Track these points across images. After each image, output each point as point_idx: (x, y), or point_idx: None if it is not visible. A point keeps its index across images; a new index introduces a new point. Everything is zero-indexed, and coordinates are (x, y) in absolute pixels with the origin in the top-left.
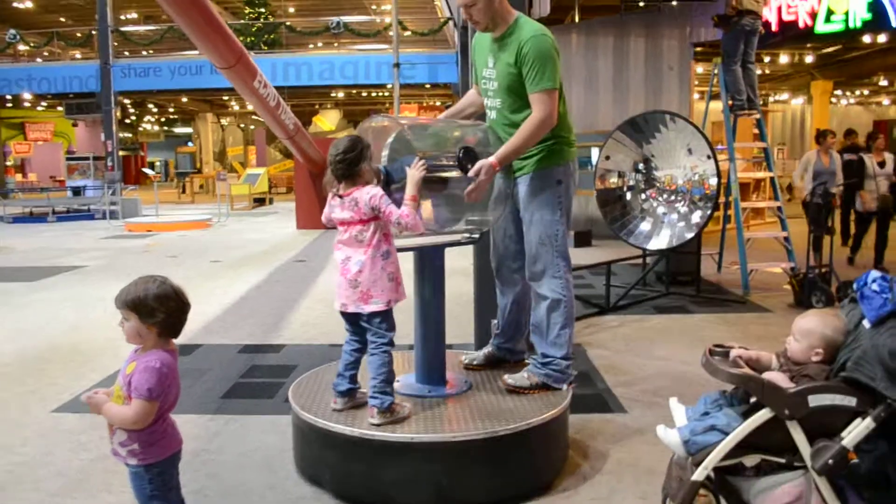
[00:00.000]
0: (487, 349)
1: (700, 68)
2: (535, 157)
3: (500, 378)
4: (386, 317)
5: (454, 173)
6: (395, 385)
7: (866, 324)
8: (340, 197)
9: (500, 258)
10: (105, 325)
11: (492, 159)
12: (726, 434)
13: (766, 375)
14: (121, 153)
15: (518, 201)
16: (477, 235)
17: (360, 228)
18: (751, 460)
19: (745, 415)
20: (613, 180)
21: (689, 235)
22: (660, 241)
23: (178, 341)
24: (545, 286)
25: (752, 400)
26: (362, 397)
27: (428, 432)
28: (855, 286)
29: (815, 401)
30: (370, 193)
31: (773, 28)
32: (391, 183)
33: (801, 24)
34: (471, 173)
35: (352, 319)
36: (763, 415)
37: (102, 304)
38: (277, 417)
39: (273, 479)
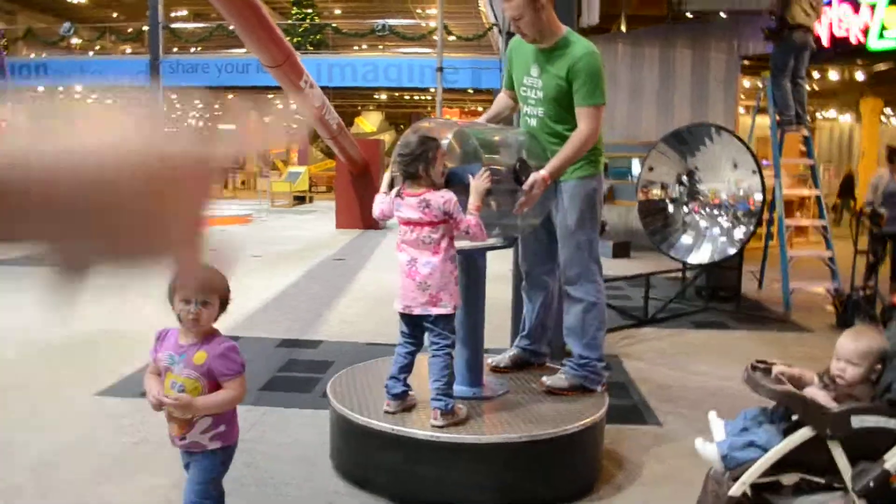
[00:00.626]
0: (513, 352)
1: (747, 82)
2: (577, 165)
3: (538, 381)
4: (450, 320)
5: (505, 184)
6: None
7: None
8: (403, 196)
9: (531, 263)
10: (148, 314)
11: (543, 173)
12: (765, 451)
13: (808, 392)
14: None
15: (556, 207)
16: (512, 239)
17: (429, 230)
18: (789, 479)
19: (786, 432)
20: (656, 192)
21: (732, 251)
22: (701, 256)
23: None
24: (580, 290)
25: (794, 418)
26: (412, 399)
27: (469, 434)
28: None
29: (858, 422)
30: (444, 198)
31: (825, 44)
32: (449, 185)
33: (853, 40)
34: (525, 187)
35: (413, 322)
36: (804, 433)
37: (147, 294)
38: (314, 412)
39: (309, 472)
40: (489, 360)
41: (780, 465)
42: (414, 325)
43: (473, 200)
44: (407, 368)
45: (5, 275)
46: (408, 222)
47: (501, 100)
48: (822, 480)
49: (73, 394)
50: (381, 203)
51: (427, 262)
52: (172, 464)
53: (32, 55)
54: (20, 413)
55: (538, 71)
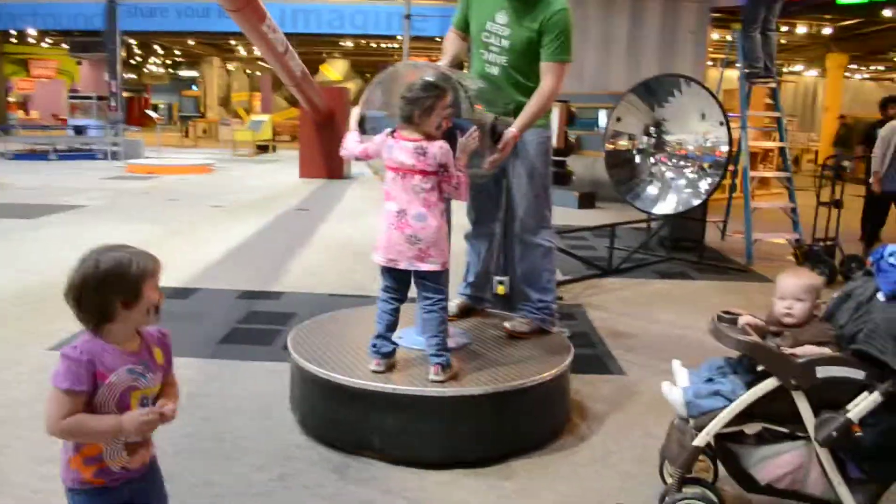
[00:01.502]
0: (459, 300)
1: (715, 34)
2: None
3: (494, 328)
4: (442, 275)
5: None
6: (398, 339)
7: (881, 297)
8: (397, 139)
9: (479, 213)
10: None
11: (513, 130)
12: (730, 401)
13: (803, 350)
14: (125, 94)
15: (511, 158)
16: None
17: (420, 179)
18: (752, 428)
19: (750, 384)
20: (623, 143)
21: (696, 202)
22: (666, 206)
23: (175, 284)
24: (539, 236)
25: (759, 368)
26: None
27: (425, 386)
28: (871, 258)
29: (823, 372)
30: (442, 149)
31: None
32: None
33: None
34: (500, 146)
35: (398, 276)
36: (769, 384)
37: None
38: (274, 364)
39: (268, 425)
40: None
41: (745, 416)
42: (399, 280)
43: (461, 158)
44: (394, 325)
45: None
46: (398, 168)
47: (455, 42)
48: (786, 430)
49: (25, 349)
50: (358, 142)
51: (419, 215)
52: None
53: None
54: None
55: (506, 19)
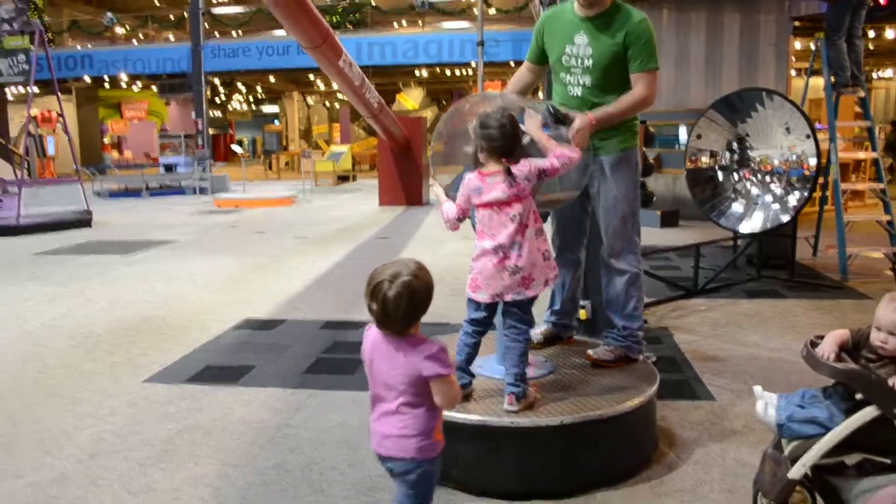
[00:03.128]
0: (544, 327)
1: (798, 44)
2: (618, 137)
3: (578, 355)
4: (531, 303)
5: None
6: (477, 368)
7: None
8: (484, 177)
9: (565, 239)
10: (193, 299)
11: (591, 115)
12: (826, 429)
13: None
14: (210, 131)
15: (595, 182)
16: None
17: (516, 208)
18: (852, 459)
19: (849, 412)
20: (705, 160)
21: (785, 218)
22: (753, 224)
23: (261, 316)
24: (624, 262)
25: (858, 396)
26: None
27: (508, 416)
28: None
29: None
30: (525, 165)
31: (882, 1)
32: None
33: None
34: (574, 125)
35: (490, 308)
36: (869, 412)
37: (191, 278)
38: (358, 394)
39: (353, 456)
40: None
41: (843, 446)
42: (490, 312)
43: (541, 138)
44: (473, 358)
45: (49, 263)
46: (490, 204)
47: (523, 76)
48: (888, 461)
49: (118, 381)
50: (452, 206)
51: (516, 244)
52: (217, 452)
53: (78, 46)
54: (67, 401)
55: (586, 39)
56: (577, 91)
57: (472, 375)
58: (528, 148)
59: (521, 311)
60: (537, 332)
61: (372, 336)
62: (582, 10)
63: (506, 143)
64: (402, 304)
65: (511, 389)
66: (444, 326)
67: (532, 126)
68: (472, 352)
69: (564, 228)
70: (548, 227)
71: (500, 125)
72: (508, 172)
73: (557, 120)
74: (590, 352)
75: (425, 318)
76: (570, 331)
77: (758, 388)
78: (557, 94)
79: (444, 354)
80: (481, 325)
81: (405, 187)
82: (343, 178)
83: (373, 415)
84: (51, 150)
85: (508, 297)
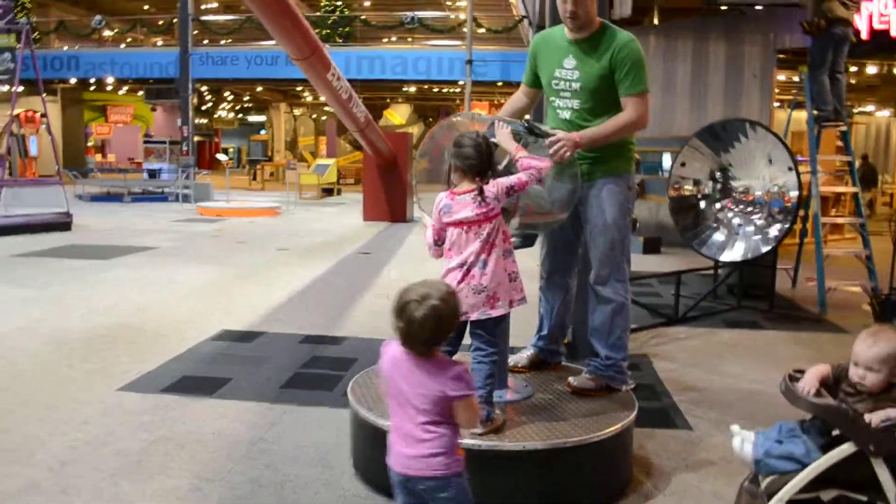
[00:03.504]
0: (530, 351)
1: (782, 76)
2: (609, 162)
3: (560, 381)
4: (502, 324)
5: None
6: None
7: None
8: (454, 196)
9: (555, 264)
10: (172, 307)
11: (575, 135)
12: (803, 465)
13: (884, 414)
14: (196, 139)
15: (586, 206)
16: (530, 238)
17: (483, 227)
18: (828, 495)
19: (825, 447)
20: (688, 188)
21: (765, 249)
22: (733, 254)
23: (240, 328)
24: (610, 290)
25: (835, 432)
26: None
27: (482, 440)
28: None
29: None
30: (495, 184)
31: (864, 36)
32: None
33: (893, 33)
34: (551, 140)
35: (459, 329)
36: (846, 448)
37: (171, 286)
38: (335, 411)
39: (328, 475)
40: None
41: (820, 481)
42: (459, 331)
43: (510, 147)
44: None
45: (26, 266)
46: (460, 223)
47: (518, 99)
48: (864, 498)
49: (92, 389)
50: (434, 218)
51: (482, 262)
52: (190, 465)
53: (65, 48)
54: (40, 407)
55: (574, 62)
56: (567, 115)
57: None
58: (511, 167)
59: (486, 333)
60: (523, 356)
61: (392, 353)
62: (570, 34)
63: (480, 162)
64: (428, 326)
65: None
66: None
67: (502, 136)
68: None
69: (555, 251)
70: (536, 250)
71: (475, 144)
72: (480, 192)
73: (533, 134)
74: (570, 379)
75: (390, 335)
76: (557, 357)
77: (735, 427)
78: (550, 118)
79: (467, 375)
80: (449, 346)
81: (390, 203)
82: (328, 192)
83: (393, 431)
84: (33, 151)
85: (474, 316)
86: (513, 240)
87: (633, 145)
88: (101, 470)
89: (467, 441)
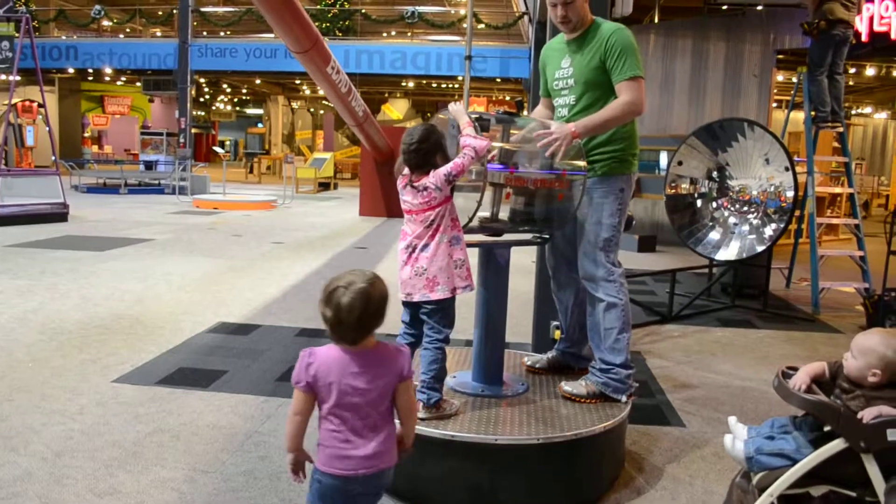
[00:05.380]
0: (551, 353)
1: (780, 76)
2: (604, 161)
3: (558, 384)
4: (446, 310)
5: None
6: (450, 381)
7: None
8: (413, 186)
9: (557, 260)
10: (167, 299)
11: (571, 127)
12: (794, 461)
13: (876, 411)
14: (193, 131)
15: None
16: (548, 235)
17: (427, 215)
18: (818, 490)
19: (816, 443)
20: (685, 186)
21: (760, 248)
22: (728, 253)
23: (235, 320)
24: (600, 289)
25: (826, 428)
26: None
27: (473, 432)
28: None
29: (894, 434)
30: (433, 175)
31: (864, 38)
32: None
33: (893, 36)
34: (538, 133)
35: (412, 310)
36: (836, 445)
37: (167, 279)
38: None
39: None
40: (525, 359)
41: (810, 477)
42: (413, 315)
43: (461, 121)
44: None
45: (22, 256)
46: (409, 210)
47: (540, 110)
48: (853, 494)
49: (87, 380)
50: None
51: (424, 246)
52: (186, 456)
53: (63, 37)
54: (35, 396)
55: (569, 61)
56: (565, 112)
57: None
58: (519, 155)
59: (430, 318)
60: (542, 358)
61: (330, 356)
62: (566, 36)
63: (417, 156)
64: (356, 310)
65: (418, 396)
66: None
67: (455, 110)
68: None
69: (554, 246)
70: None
71: (417, 139)
72: (413, 184)
73: (504, 120)
74: (563, 383)
75: (384, 329)
76: (583, 361)
77: (732, 419)
78: (556, 117)
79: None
80: (408, 328)
81: (386, 198)
82: (324, 186)
83: (344, 444)
84: (30, 141)
85: (416, 298)
86: (532, 237)
87: (634, 147)
88: (96, 460)
89: (464, 434)
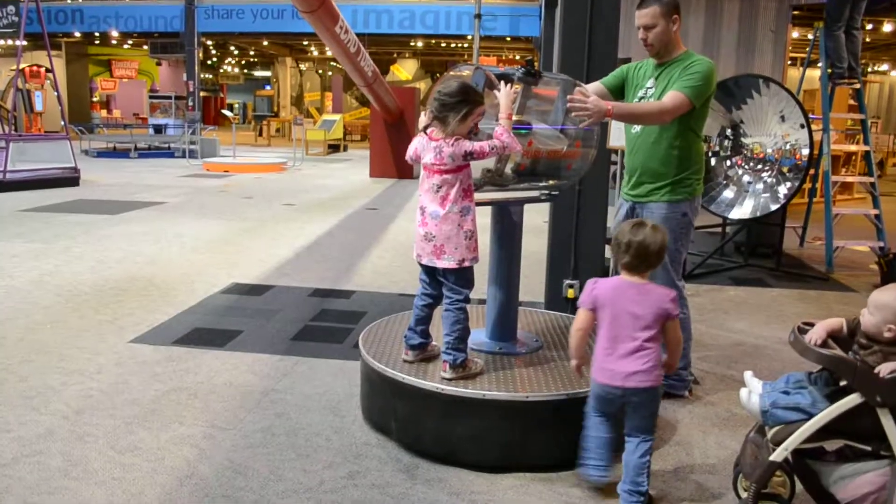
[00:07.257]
0: None
1: (795, 33)
2: (667, 188)
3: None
4: (462, 273)
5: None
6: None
7: None
8: (429, 139)
9: None
10: (181, 261)
11: (609, 105)
12: (809, 415)
13: (887, 366)
14: (201, 94)
15: None
16: (556, 192)
17: (438, 179)
18: (833, 444)
19: (831, 397)
20: None
21: (774, 207)
22: (742, 211)
23: (249, 281)
24: None
25: (842, 383)
26: (433, 350)
27: (499, 390)
28: None
29: None
30: (453, 144)
31: None
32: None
33: None
34: (571, 98)
35: (428, 270)
36: (852, 399)
37: (179, 240)
38: (345, 362)
39: (339, 423)
40: None
41: (825, 431)
42: (430, 275)
43: (504, 109)
44: (424, 321)
45: (35, 220)
46: (426, 167)
47: (595, 86)
48: (868, 448)
49: (105, 340)
50: (414, 143)
51: (434, 213)
52: (204, 414)
53: (68, 1)
54: (54, 357)
55: (654, 82)
56: (637, 128)
57: (424, 338)
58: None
59: (448, 281)
60: None
61: (612, 284)
62: (656, 60)
63: (437, 105)
64: (656, 245)
65: (444, 357)
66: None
67: (504, 95)
68: (421, 314)
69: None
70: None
71: (446, 92)
72: (439, 145)
73: (529, 77)
74: None
75: (413, 289)
76: (681, 387)
77: (748, 374)
78: (626, 131)
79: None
80: (425, 287)
81: (396, 159)
82: (334, 148)
83: (608, 356)
84: (39, 106)
85: (424, 261)
86: (540, 194)
87: (697, 176)
88: (116, 417)
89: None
